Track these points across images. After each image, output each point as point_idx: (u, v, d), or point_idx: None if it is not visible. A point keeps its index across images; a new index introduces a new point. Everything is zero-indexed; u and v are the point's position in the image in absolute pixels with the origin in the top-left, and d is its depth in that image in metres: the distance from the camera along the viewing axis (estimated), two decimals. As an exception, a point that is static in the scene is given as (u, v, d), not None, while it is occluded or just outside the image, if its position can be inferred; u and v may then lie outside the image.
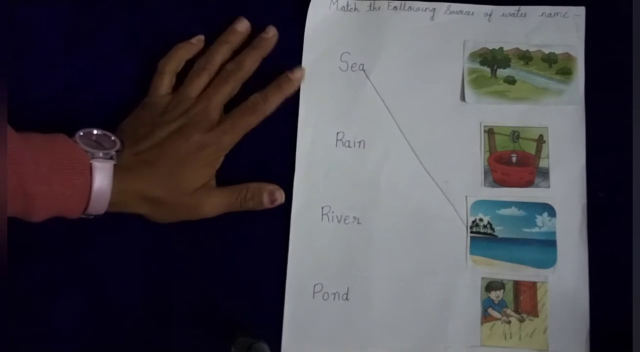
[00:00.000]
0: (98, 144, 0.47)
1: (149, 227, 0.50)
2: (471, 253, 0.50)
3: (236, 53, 0.54)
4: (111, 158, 0.46)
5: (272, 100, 0.52)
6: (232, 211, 0.50)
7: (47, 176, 0.43)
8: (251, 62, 0.53)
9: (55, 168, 0.43)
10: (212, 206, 0.50)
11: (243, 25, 0.54)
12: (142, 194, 0.48)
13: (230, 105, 0.52)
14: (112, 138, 0.48)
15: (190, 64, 0.53)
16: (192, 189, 0.49)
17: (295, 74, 0.53)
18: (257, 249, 0.51)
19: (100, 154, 0.46)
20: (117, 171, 0.46)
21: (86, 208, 0.46)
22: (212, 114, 0.51)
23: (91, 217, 0.47)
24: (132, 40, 0.55)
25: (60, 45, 0.54)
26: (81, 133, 0.47)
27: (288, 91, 0.53)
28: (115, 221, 0.48)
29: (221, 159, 0.51)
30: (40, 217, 0.45)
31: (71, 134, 0.47)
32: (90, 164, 0.45)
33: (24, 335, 0.49)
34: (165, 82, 0.53)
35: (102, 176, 0.45)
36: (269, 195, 0.50)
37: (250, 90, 0.52)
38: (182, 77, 0.53)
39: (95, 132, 0.48)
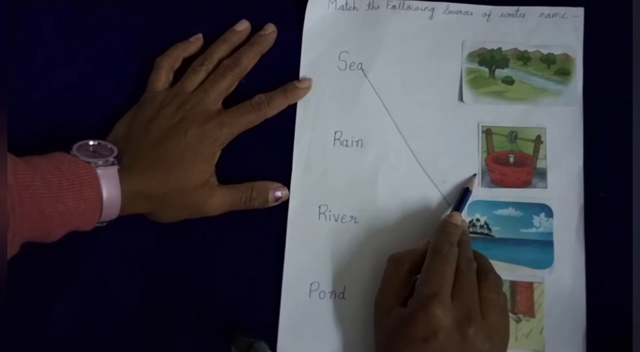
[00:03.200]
0: (97, 153, 0.47)
1: (149, 227, 0.51)
2: (468, 253, 0.50)
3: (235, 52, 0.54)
4: (113, 164, 0.46)
5: (276, 104, 0.52)
6: (235, 210, 0.51)
7: (60, 195, 0.43)
8: (249, 58, 0.53)
9: (65, 185, 0.43)
10: (216, 204, 0.50)
11: (242, 25, 0.55)
12: (147, 194, 0.48)
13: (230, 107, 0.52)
14: (109, 146, 0.48)
15: (189, 63, 0.53)
16: (193, 185, 0.49)
17: (302, 83, 0.53)
18: (254, 248, 0.51)
19: (100, 163, 0.46)
20: (121, 175, 0.46)
21: (99, 217, 0.46)
22: (208, 106, 0.51)
23: (104, 224, 0.47)
24: (132, 40, 0.55)
25: (60, 45, 0.55)
26: (77, 146, 0.47)
27: (292, 98, 0.53)
28: (114, 221, 0.48)
29: (217, 154, 0.51)
30: (58, 236, 0.45)
31: (71, 137, 0.47)
32: (96, 174, 0.45)
33: (24, 335, 0.50)
34: (161, 78, 0.53)
35: (109, 183, 0.45)
36: (274, 193, 0.51)
37: (251, 90, 0.53)
38: (181, 76, 0.53)
39: (91, 143, 0.48)
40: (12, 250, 0.42)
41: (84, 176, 0.44)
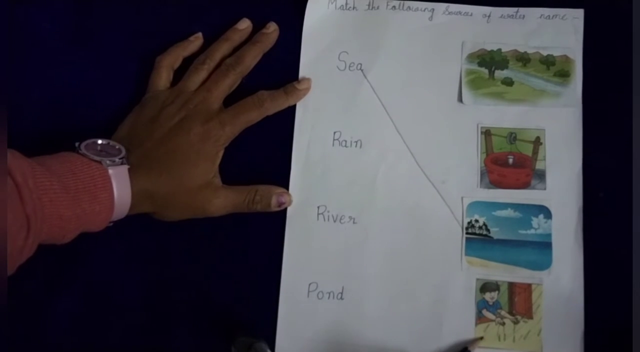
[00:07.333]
0: (104, 152, 0.47)
1: (149, 227, 0.51)
2: (466, 254, 0.50)
3: (237, 51, 0.54)
4: (122, 163, 0.46)
5: (278, 102, 0.52)
6: (238, 212, 0.51)
7: (76, 198, 0.43)
8: (251, 57, 0.53)
9: (81, 188, 0.43)
10: (219, 205, 0.50)
11: (244, 24, 0.55)
12: (152, 194, 0.48)
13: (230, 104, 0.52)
14: (117, 146, 0.48)
15: (191, 63, 0.53)
16: (196, 185, 0.49)
17: (302, 84, 0.53)
18: (253, 248, 0.51)
19: (109, 162, 0.46)
20: (129, 174, 0.46)
21: (111, 218, 0.46)
22: (211, 105, 0.51)
23: (111, 224, 0.47)
24: (133, 40, 0.55)
25: (60, 45, 0.55)
26: (85, 144, 0.47)
27: (293, 99, 0.53)
28: (115, 221, 0.48)
29: (220, 153, 0.51)
30: (71, 238, 0.45)
31: (72, 136, 0.47)
32: (109, 174, 0.45)
33: (24, 335, 0.50)
34: (162, 77, 0.53)
35: (120, 183, 0.46)
36: (277, 198, 0.51)
37: (250, 90, 0.52)
38: (182, 76, 0.53)
39: (99, 142, 0.48)
40: (30, 252, 0.42)
41: (98, 177, 0.45)
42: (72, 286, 0.51)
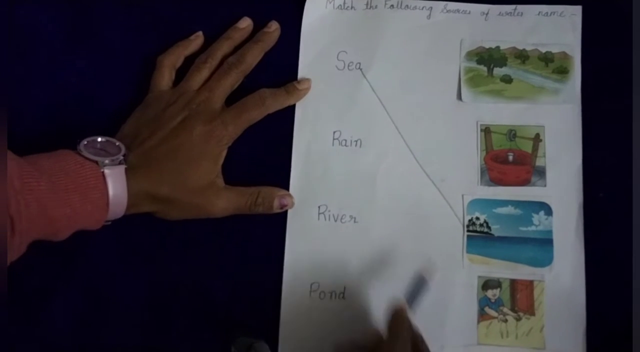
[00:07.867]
0: (104, 151, 0.47)
1: (149, 226, 0.51)
2: (468, 252, 0.50)
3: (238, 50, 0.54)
4: (120, 163, 0.46)
5: (279, 101, 0.52)
6: (239, 213, 0.51)
7: (66, 198, 0.43)
8: (253, 56, 0.53)
9: (72, 188, 0.43)
10: (221, 206, 0.50)
11: (245, 23, 0.55)
12: (152, 194, 0.48)
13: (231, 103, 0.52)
14: (117, 144, 0.47)
15: (192, 62, 0.53)
16: (199, 186, 0.49)
17: (302, 84, 0.53)
18: (254, 247, 0.51)
19: (107, 161, 0.45)
20: (128, 174, 0.46)
21: (106, 217, 0.46)
22: (214, 105, 0.51)
23: (109, 223, 0.47)
24: (133, 39, 0.55)
25: (60, 45, 0.55)
26: (85, 142, 0.46)
27: (293, 99, 0.53)
28: (114, 220, 0.48)
29: (224, 153, 0.51)
30: (65, 236, 0.45)
31: (72, 137, 0.47)
32: (103, 174, 0.45)
33: (24, 335, 0.50)
34: (165, 76, 0.53)
35: (116, 183, 0.45)
36: (279, 200, 0.51)
37: (249, 90, 0.52)
38: (184, 75, 0.53)
39: (99, 139, 0.47)
40: (19, 251, 0.42)
41: (91, 177, 0.44)
42: (71, 285, 0.51)
